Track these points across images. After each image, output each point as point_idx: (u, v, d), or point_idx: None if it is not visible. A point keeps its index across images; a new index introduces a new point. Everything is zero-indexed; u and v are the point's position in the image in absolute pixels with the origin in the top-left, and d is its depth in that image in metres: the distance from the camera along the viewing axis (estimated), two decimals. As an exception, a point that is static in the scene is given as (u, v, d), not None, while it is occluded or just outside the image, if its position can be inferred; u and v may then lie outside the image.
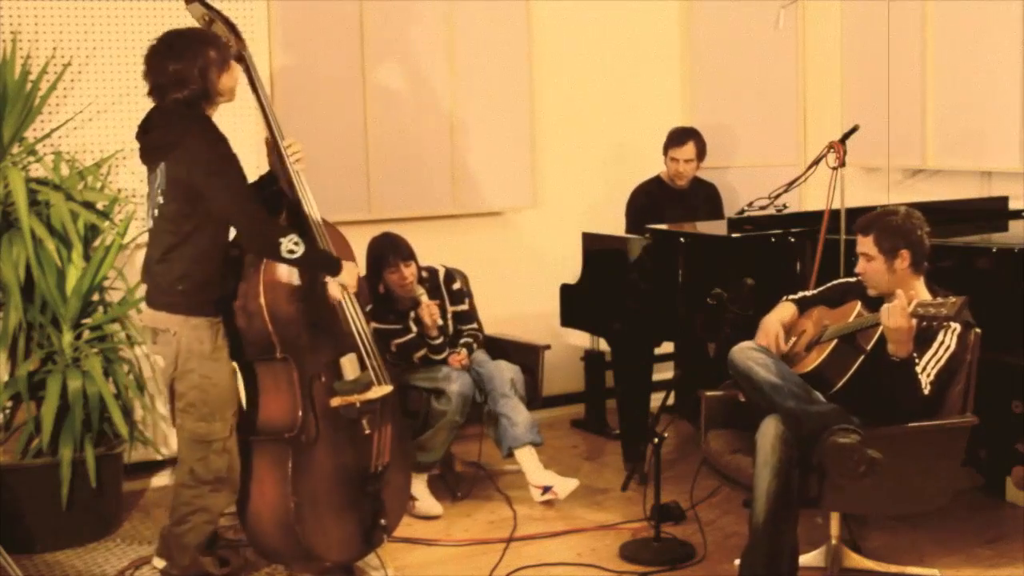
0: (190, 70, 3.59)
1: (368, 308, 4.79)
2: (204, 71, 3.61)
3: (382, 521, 3.94)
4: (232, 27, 3.85)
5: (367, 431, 3.87)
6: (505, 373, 4.86)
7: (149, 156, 3.73)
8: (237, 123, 5.11)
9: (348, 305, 3.87)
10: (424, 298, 4.81)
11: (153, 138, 3.68)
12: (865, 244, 3.79)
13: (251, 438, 3.85)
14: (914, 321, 3.53)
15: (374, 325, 4.78)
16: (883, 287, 3.77)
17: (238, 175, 3.66)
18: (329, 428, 3.85)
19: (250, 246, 3.70)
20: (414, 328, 4.86)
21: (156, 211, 3.68)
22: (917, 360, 3.62)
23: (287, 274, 3.77)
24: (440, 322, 4.84)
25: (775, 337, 3.95)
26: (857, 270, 3.83)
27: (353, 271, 3.86)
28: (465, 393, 4.72)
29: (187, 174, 3.60)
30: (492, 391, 4.83)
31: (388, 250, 4.79)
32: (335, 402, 3.81)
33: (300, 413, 3.79)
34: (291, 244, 3.62)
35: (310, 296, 3.82)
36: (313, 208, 3.85)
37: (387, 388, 3.91)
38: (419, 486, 4.73)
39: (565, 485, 4.77)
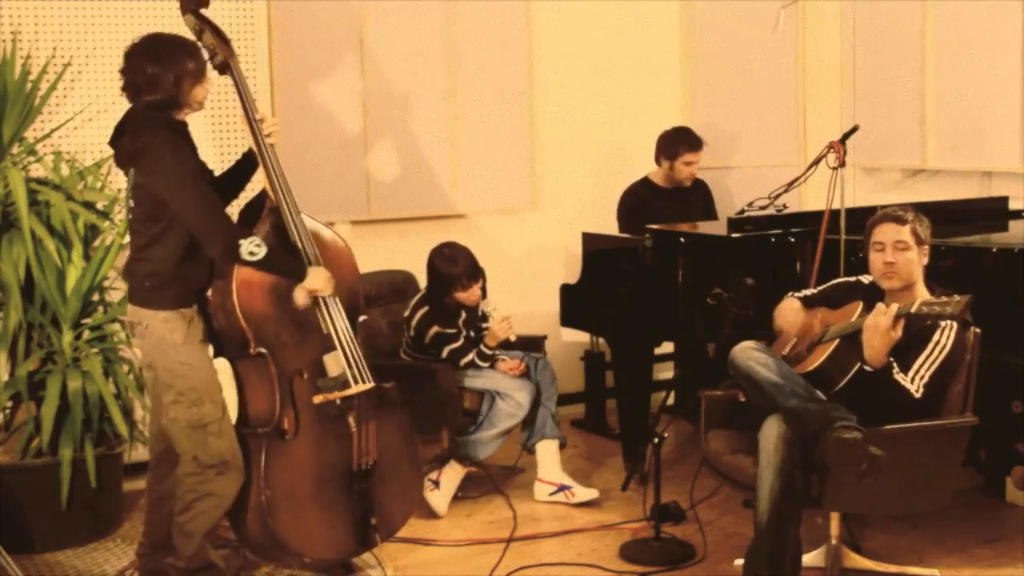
0: (166, 76, 3.65)
1: (423, 311, 4.82)
2: (179, 80, 3.67)
3: (373, 521, 3.92)
4: (222, 36, 3.89)
5: (353, 428, 3.89)
6: (551, 368, 4.96)
7: (120, 161, 3.81)
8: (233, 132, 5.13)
9: (323, 306, 3.87)
10: (496, 313, 4.83)
11: (122, 144, 3.76)
12: (902, 233, 3.80)
13: (237, 429, 3.88)
14: (899, 331, 3.58)
15: (436, 329, 4.80)
16: (911, 279, 3.80)
17: (197, 183, 3.68)
18: (312, 424, 3.86)
19: (210, 251, 3.72)
20: (463, 330, 4.88)
21: (130, 214, 3.79)
22: (900, 365, 3.64)
23: (261, 272, 3.78)
24: (513, 338, 4.84)
25: (798, 311, 4.02)
26: (888, 260, 3.81)
27: (320, 276, 3.83)
28: (532, 401, 4.79)
29: (151, 182, 3.68)
30: (543, 380, 4.89)
31: (463, 273, 4.78)
32: (317, 399, 3.84)
33: (277, 409, 3.80)
34: (252, 246, 3.66)
35: (287, 293, 3.83)
36: (291, 204, 3.84)
37: (367, 385, 3.92)
38: (454, 477, 4.78)
39: (585, 493, 4.80)
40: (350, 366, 3.90)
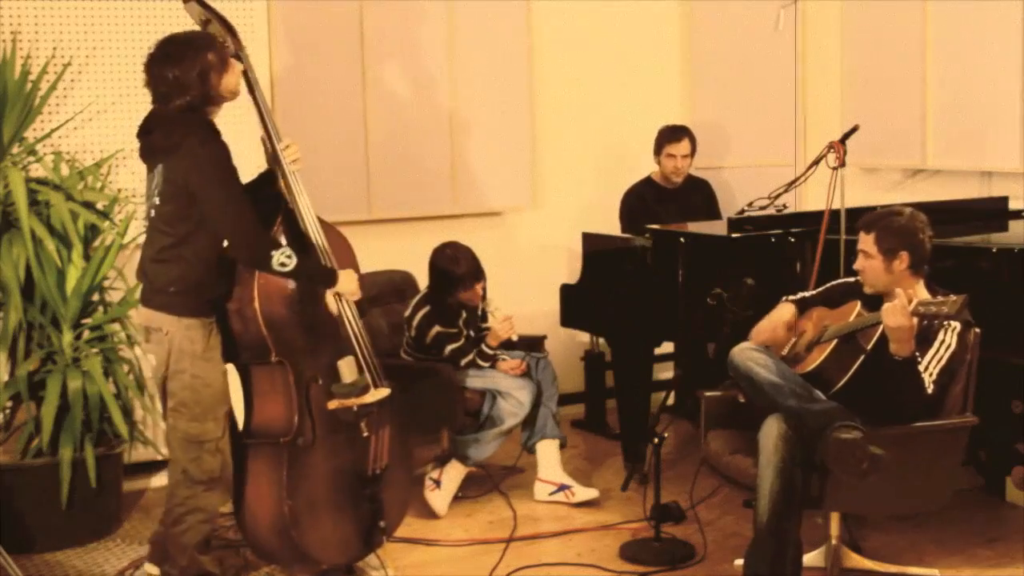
0: (189, 75, 3.57)
1: (425, 311, 4.82)
2: (204, 75, 3.59)
3: (381, 523, 3.92)
4: (229, 27, 3.82)
5: (366, 434, 3.86)
6: (552, 368, 4.96)
7: (149, 156, 3.72)
8: (239, 122, 5.13)
9: (346, 311, 3.83)
10: (499, 313, 4.82)
11: (154, 139, 3.67)
12: (866, 242, 3.78)
13: (247, 441, 3.84)
14: (915, 320, 3.53)
15: (437, 329, 4.81)
16: (880, 286, 3.77)
17: (234, 186, 3.62)
18: (327, 431, 3.83)
19: (241, 258, 3.66)
20: (464, 330, 4.88)
21: (153, 211, 3.68)
22: (920, 359, 3.62)
23: (282, 278, 3.73)
24: (515, 338, 4.84)
25: (772, 330, 3.96)
26: (856, 267, 3.83)
27: (350, 280, 3.80)
28: (533, 400, 4.79)
29: (184, 178, 3.59)
30: (544, 380, 4.89)
31: (466, 273, 4.78)
32: (332, 405, 3.80)
33: (296, 417, 3.78)
34: (283, 257, 3.60)
35: (306, 299, 3.78)
36: (309, 212, 3.81)
37: (384, 391, 3.89)
38: (455, 477, 4.77)
39: (585, 492, 4.80)
40: (368, 372, 3.85)
